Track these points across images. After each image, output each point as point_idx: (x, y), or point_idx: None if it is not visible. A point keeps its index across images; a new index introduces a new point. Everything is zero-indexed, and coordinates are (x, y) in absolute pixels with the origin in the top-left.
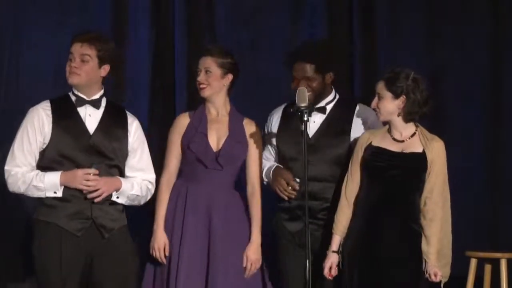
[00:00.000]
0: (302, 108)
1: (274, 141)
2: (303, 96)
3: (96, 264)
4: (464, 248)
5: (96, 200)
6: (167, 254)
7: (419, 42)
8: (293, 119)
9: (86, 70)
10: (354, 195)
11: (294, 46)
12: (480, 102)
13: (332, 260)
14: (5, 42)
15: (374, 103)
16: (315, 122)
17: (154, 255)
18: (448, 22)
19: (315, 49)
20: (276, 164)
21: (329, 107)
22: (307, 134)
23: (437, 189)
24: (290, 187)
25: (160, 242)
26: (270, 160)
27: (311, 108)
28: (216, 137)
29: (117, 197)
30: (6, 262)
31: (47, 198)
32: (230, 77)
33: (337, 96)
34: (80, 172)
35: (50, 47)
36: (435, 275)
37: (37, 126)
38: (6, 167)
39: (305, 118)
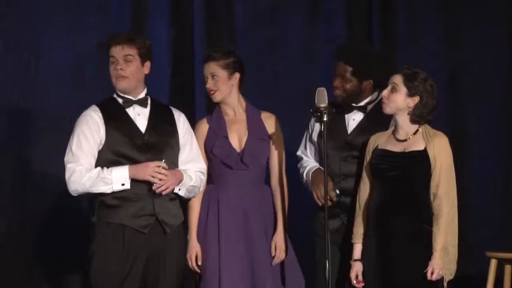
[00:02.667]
0: (322, 109)
1: (315, 138)
2: (322, 97)
3: (154, 260)
4: (484, 248)
5: (164, 193)
6: (199, 263)
7: (437, 41)
8: (334, 117)
9: (131, 71)
10: (367, 200)
11: (312, 45)
12: (498, 101)
13: (356, 269)
14: (24, 43)
15: (386, 92)
16: (354, 120)
17: (189, 264)
18: (467, 21)
19: (359, 55)
20: (318, 166)
21: (369, 107)
22: (346, 132)
23: (442, 185)
24: (328, 196)
25: (192, 251)
26: (310, 158)
27: (328, 108)
28: (237, 138)
29: (179, 189)
30: (19, 264)
31: (108, 197)
32: (237, 75)
33: (380, 97)
34: (152, 163)
35: (69, 47)
36: (432, 273)
37: (93, 128)
38: (69, 165)
39: (325, 119)
